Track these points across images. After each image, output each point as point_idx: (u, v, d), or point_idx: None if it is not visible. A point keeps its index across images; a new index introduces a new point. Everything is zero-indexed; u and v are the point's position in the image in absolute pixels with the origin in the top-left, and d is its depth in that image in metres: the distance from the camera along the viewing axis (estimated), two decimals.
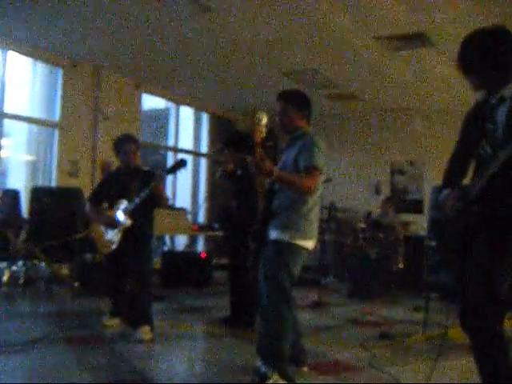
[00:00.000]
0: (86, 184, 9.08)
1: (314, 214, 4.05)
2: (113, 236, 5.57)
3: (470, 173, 3.23)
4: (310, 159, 3.83)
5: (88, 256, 7.51)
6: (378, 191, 12.19)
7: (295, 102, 4.15)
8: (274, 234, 3.96)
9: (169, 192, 7.11)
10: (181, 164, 5.38)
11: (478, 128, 3.10)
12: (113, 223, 5.55)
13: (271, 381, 3.74)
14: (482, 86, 3.11)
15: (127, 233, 5.49)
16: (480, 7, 6.51)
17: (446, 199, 3.20)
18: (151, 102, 11.97)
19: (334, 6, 6.65)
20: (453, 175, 3.34)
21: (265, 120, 4.09)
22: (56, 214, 7.30)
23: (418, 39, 7.75)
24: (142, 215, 5.53)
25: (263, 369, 3.82)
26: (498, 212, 2.93)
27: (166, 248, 10.38)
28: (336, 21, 7.15)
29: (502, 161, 2.79)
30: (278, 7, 6.77)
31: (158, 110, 12.86)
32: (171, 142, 11.99)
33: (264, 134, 4.09)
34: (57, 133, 9.18)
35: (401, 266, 9.50)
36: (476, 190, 2.98)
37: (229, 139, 6.39)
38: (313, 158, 3.84)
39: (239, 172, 5.93)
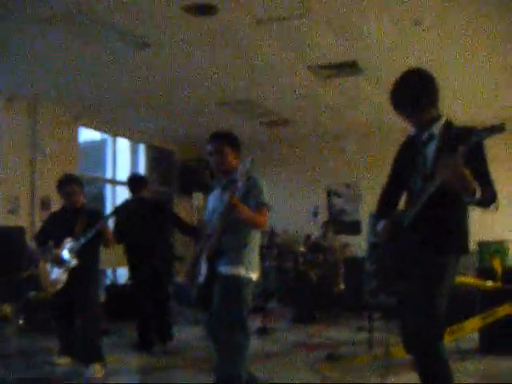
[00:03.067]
0: (25, 221, 8.98)
1: (258, 247, 4.28)
2: (59, 275, 5.58)
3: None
4: (260, 198, 4.06)
5: (32, 294, 7.45)
6: (315, 214, 12.42)
7: (231, 142, 4.29)
8: (228, 270, 4.09)
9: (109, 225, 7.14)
10: (125, 205, 5.47)
11: (410, 162, 3.36)
12: (59, 262, 5.56)
13: None
14: (414, 124, 3.37)
15: (74, 271, 5.51)
16: (407, 36, 6.83)
17: (381, 229, 3.46)
18: (87, 134, 11.90)
19: (267, 36, 6.83)
20: (386, 206, 3.59)
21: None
22: None
23: (349, 67, 8.02)
24: (88, 253, 5.57)
25: None
26: (430, 239, 3.18)
27: (108, 281, 10.32)
28: (269, 51, 7.35)
29: (431, 192, 3.03)
30: (212, 38, 6.90)
31: (95, 142, 12.80)
32: (109, 174, 11.96)
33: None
34: None
35: (341, 286, 9.71)
36: (408, 220, 3.22)
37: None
38: (262, 196, 4.07)
39: None
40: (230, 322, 4.02)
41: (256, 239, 4.22)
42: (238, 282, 4.06)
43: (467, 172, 2.77)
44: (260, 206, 4.06)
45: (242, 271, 4.06)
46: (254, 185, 4.11)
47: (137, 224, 6.81)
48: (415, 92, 3.29)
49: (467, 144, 2.77)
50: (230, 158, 4.23)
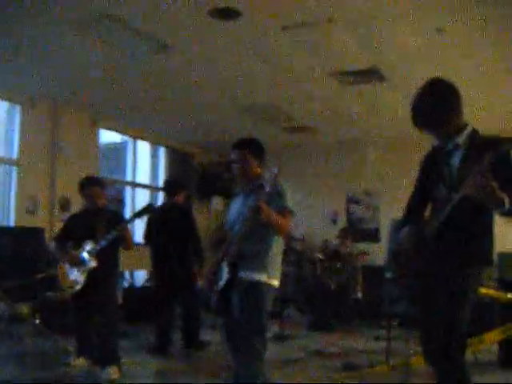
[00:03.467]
0: (44, 221, 9.03)
1: (281, 253, 4.22)
2: (77, 276, 5.58)
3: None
4: (284, 203, 4.01)
5: (50, 295, 7.46)
6: (334, 221, 12.38)
7: (254, 150, 4.25)
8: (250, 276, 4.05)
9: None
10: (148, 209, 5.47)
11: (435, 172, 3.31)
12: (78, 263, 5.55)
13: None
14: (438, 137, 3.32)
15: (93, 273, 5.51)
16: (430, 44, 6.78)
17: (404, 238, 3.41)
18: (108, 136, 11.94)
19: (291, 42, 6.81)
20: (412, 216, 3.54)
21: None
22: (17, 254, 7.27)
23: (371, 74, 7.99)
24: (108, 256, 5.56)
25: None
26: (455, 249, 3.12)
27: (126, 284, 10.33)
28: (293, 57, 7.34)
29: (456, 202, 2.98)
30: (235, 43, 6.91)
31: (115, 145, 12.84)
32: (129, 177, 11.99)
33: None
34: (14, 170, 9.11)
35: (359, 295, 9.64)
36: (432, 230, 3.17)
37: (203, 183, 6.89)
38: (285, 202, 4.02)
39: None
40: (249, 328, 3.98)
41: (279, 245, 4.16)
42: (260, 289, 4.01)
43: (494, 184, 2.72)
44: (283, 211, 4.00)
45: (264, 278, 4.01)
46: (278, 190, 4.06)
47: (166, 228, 6.87)
48: (437, 104, 3.23)
49: (494, 153, 2.72)
50: (253, 165, 4.19)
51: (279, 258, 4.18)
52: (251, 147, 4.26)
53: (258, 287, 4.01)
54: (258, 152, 4.26)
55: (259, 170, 4.23)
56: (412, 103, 3.33)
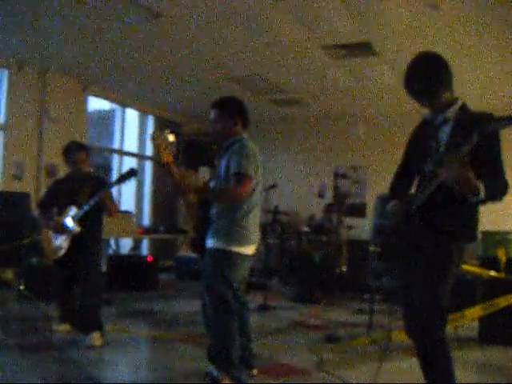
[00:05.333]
0: (30, 187, 8.98)
1: (249, 219, 4.08)
2: (61, 242, 5.56)
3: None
4: (239, 166, 3.91)
5: (34, 260, 7.45)
6: (321, 195, 12.39)
7: (228, 109, 4.20)
8: (209, 242, 4.07)
9: (114, 195, 7.06)
10: (131, 174, 5.42)
11: (423, 146, 3.30)
12: (61, 229, 5.52)
13: None
14: (429, 108, 3.31)
15: (76, 239, 5.49)
16: (422, 20, 6.73)
17: (391, 211, 3.41)
18: (96, 103, 11.85)
19: (282, 14, 6.76)
20: (398, 188, 3.54)
21: (171, 138, 4.03)
22: (2, 219, 7.23)
23: (363, 48, 7.93)
24: (91, 222, 5.54)
25: (215, 373, 3.94)
26: (438, 225, 3.13)
27: (111, 251, 10.34)
28: (284, 29, 7.27)
29: (440, 180, 2.98)
30: (226, 15, 6.84)
31: (104, 112, 12.75)
32: (116, 145, 11.92)
33: (173, 153, 3.97)
34: (1, 135, 9.02)
35: (344, 268, 9.70)
36: (417, 204, 3.18)
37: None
38: (241, 164, 3.91)
39: None
40: (210, 298, 4.00)
41: (244, 211, 4.04)
42: (217, 256, 4.00)
43: (471, 174, 2.73)
44: (237, 175, 3.91)
45: (220, 244, 3.98)
46: (236, 150, 4.01)
47: None
48: (428, 75, 3.21)
49: (483, 132, 2.70)
50: (229, 124, 4.16)
51: (245, 224, 4.04)
52: (224, 107, 4.21)
53: (214, 254, 4.01)
54: (235, 111, 4.20)
55: (234, 129, 4.17)
56: (404, 74, 3.32)
